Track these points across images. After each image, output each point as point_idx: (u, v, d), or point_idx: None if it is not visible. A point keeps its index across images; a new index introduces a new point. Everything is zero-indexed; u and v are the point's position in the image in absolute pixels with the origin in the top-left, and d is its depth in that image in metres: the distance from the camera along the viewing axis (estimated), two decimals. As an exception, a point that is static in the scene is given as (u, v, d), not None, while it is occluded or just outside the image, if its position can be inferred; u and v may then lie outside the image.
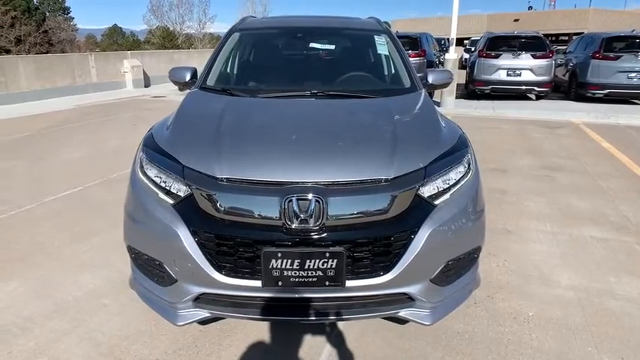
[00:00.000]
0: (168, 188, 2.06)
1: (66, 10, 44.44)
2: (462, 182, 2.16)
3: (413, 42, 11.90)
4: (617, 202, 4.44)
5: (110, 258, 3.25)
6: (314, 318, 2.01)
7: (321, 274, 1.89)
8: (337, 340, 2.38)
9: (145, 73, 15.65)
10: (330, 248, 1.88)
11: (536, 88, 11.16)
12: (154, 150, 2.27)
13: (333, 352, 2.31)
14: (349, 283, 1.93)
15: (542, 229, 3.80)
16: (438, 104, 10.24)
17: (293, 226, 1.87)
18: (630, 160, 6.00)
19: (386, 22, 3.92)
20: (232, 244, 1.92)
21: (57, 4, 43.38)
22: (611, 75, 10.42)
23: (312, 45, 3.47)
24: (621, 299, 2.78)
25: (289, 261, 1.87)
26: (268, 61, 3.61)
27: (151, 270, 2.15)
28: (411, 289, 2.02)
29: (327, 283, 1.91)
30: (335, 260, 1.87)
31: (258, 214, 1.92)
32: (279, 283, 1.91)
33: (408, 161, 2.08)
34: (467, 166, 2.24)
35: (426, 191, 2.04)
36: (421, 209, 2.01)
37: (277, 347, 2.36)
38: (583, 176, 5.30)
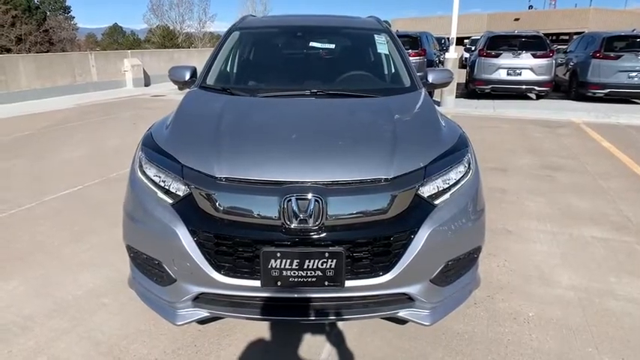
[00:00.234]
0: (167, 187, 2.06)
1: (66, 10, 44.45)
2: (462, 182, 2.16)
3: (413, 41, 11.90)
4: (617, 201, 4.43)
5: (110, 257, 3.24)
6: (313, 318, 2.01)
7: (320, 274, 1.88)
8: (336, 340, 2.38)
9: (145, 72, 15.64)
10: (330, 248, 1.88)
11: (536, 88, 11.14)
12: (153, 149, 2.26)
13: (332, 352, 2.30)
14: (348, 283, 1.92)
15: (543, 229, 3.80)
16: (438, 103, 10.23)
17: (292, 226, 1.87)
18: (631, 159, 5.99)
19: (386, 21, 3.90)
20: (231, 243, 1.91)
21: (57, 4, 43.35)
22: (612, 74, 10.40)
23: (312, 44, 3.46)
24: (622, 299, 2.77)
25: (288, 261, 1.87)
26: (268, 60, 3.60)
27: (150, 269, 2.15)
28: (411, 290, 2.01)
29: (326, 283, 1.90)
30: (334, 260, 1.87)
31: (258, 214, 1.91)
32: (278, 283, 1.90)
33: (407, 161, 2.08)
34: (467, 165, 2.24)
35: (426, 191, 2.04)
36: (421, 209, 2.00)
37: (277, 347, 2.36)
38: (583, 176, 5.29)
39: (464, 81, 12.88)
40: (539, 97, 11.61)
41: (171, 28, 40.73)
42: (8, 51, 30.52)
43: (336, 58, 3.54)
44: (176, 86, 3.36)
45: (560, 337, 2.42)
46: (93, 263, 3.19)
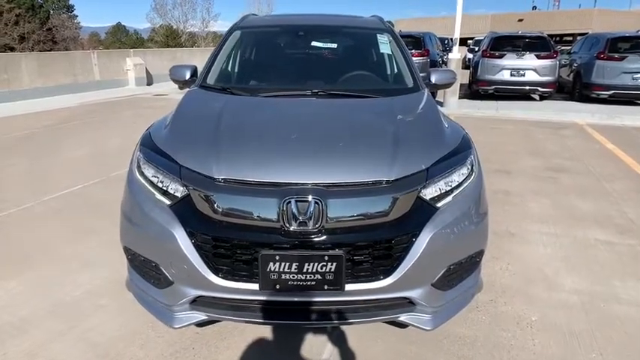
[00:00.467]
0: (165, 188, 2.03)
1: (70, 8, 44.52)
2: (465, 184, 2.12)
3: (416, 41, 11.84)
4: (621, 204, 4.39)
5: (109, 257, 3.22)
6: (312, 322, 1.98)
7: (319, 277, 1.85)
8: (336, 344, 2.34)
9: (147, 71, 15.65)
10: (330, 251, 1.85)
11: (540, 89, 11.08)
12: (152, 149, 2.23)
13: (331, 356, 2.27)
14: (348, 287, 1.89)
15: (546, 232, 3.75)
16: (441, 104, 10.18)
17: (291, 229, 1.83)
18: (635, 161, 5.93)
19: (389, 22, 3.86)
20: (229, 246, 1.88)
21: (61, 2, 43.42)
22: (616, 76, 10.33)
23: (314, 44, 3.43)
24: (626, 304, 2.73)
25: (287, 264, 1.83)
26: (269, 59, 3.56)
27: (147, 271, 2.12)
28: (412, 294, 1.98)
29: (325, 286, 1.87)
30: (334, 263, 1.84)
31: (256, 216, 1.88)
32: (277, 287, 1.87)
33: (409, 163, 2.04)
34: (470, 167, 2.20)
35: (428, 193, 2.00)
36: (423, 212, 1.96)
37: (275, 350, 2.33)
38: (587, 178, 5.24)
39: (467, 82, 12.84)
40: (542, 98, 11.55)
41: (174, 27, 40.78)
42: (11, 49, 30.59)
43: (338, 57, 3.51)
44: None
45: (563, 342, 2.38)
46: (92, 263, 3.17)
